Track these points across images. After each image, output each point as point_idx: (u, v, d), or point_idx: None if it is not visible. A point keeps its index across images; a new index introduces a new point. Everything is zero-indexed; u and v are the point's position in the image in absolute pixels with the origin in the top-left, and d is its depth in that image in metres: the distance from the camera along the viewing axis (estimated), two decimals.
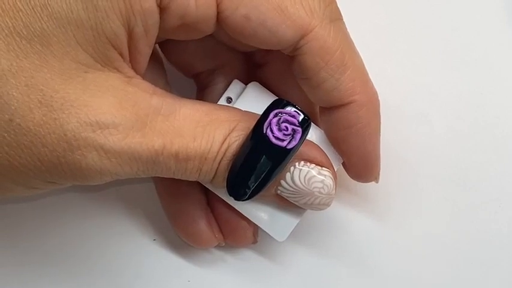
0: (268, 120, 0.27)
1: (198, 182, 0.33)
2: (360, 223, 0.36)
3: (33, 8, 0.25)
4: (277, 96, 0.32)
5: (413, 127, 0.37)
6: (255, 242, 0.35)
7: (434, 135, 0.36)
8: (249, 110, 0.30)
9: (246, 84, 0.33)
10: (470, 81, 0.37)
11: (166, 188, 0.34)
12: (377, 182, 0.33)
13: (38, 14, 0.25)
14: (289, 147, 0.27)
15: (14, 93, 0.25)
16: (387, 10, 0.38)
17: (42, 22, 0.25)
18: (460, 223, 0.36)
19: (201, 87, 0.35)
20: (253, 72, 0.34)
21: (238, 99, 0.32)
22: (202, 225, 0.34)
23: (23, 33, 0.25)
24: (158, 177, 0.34)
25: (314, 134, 0.32)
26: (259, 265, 0.36)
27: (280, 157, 0.28)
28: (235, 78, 0.33)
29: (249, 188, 0.28)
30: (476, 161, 0.36)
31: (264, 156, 0.28)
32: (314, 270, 0.36)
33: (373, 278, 0.36)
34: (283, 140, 0.27)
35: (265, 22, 0.28)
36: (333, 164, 0.31)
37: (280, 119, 0.27)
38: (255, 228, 0.34)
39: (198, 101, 0.29)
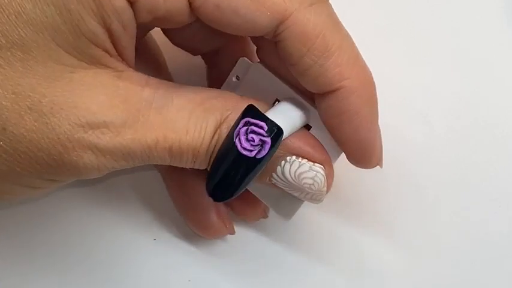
0: (237, 129, 0.27)
1: (206, 172, 0.33)
2: (359, 223, 0.36)
3: (8, 17, 0.25)
4: (280, 77, 0.31)
5: (413, 127, 0.36)
6: (265, 216, 0.35)
7: (433, 135, 0.36)
8: (254, 91, 0.30)
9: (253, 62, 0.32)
10: (470, 81, 0.37)
11: (174, 181, 0.34)
12: (381, 167, 0.31)
13: (14, 22, 0.25)
14: (258, 157, 0.27)
15: (3, 102, 0.25)
16: (387, 10, 0.38)
17: (19, 29, 0.25)
18: (460, 223, 0.36)
19: (210, 65, 0.35)
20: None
21: (243, 80, 0.32)
22: (213, 216, 0.34)
23: (2, 42, 0.25)
24: (166, 171, 0.35)
25: (316, 121, 0.30)
26: (258, 266, 0.36)
27: (250, 166, 0.27)
28: (241, 56, 0.32)
29: (224, 191, 0.28)
30: (476, 161, 0.36)
31: (233, 163, 0.27)
32: (313, 270, 0.36)
33: (372, 278, 0.36)
34: (250, 151, 0.27)
35: (238, 10, 0.27)
36: (334, 153, 0.30)
37: (248, 129, 0.27)
38: (266, 204, 0.34)
39: (194, 88, 0.29)
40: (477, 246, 0.36)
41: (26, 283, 0.36)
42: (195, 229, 0.35)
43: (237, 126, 0.27)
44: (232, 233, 0.35)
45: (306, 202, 0.32)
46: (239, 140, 0.27)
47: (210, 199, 0.34)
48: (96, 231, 0.36)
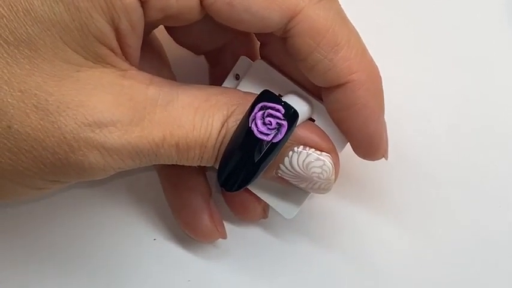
0: (253, 114, 0.27)
1: (202, 175, 0.33)
2: (359, 222, 0.36)
3: (16, 14, 0.25)
4: (283, 73, 0.31)
5: (414, 126, 0.36)
6: (265, 217, 0.35)
7: (434, 135, 0.36)
8: (256, 88, 0.30)
9: (255, 60, 0.32)
10: (471, 80, 0.37)
11: (170, 182, 0.34)
12: (386, 159, 0.32)
13: (22, 19, 0.25)
14: (275, 141, 0.27)
15: (9, 100, 0.25)
16: (388, 9, 0.38)
17: (27, 27, 0.25)
18: (460, 223, 0.36)
19: (212, 64, 0.35)
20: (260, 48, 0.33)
21: (245, 77, 0.32)
22: (205, 220, 0.34)
23: (10, 40, 0.25)
24: (163, 170, 0.35)
25: (320, 115, 0.31)
26: (259, 265, 0.36)
27: (266, 151, 0.28)
28: (245, 54, 0.32)
29: (238, 179, 0.28)
30: (477, 161, 0.36)
31: (250, 149, 0.28)
32: (314, 269, 0.36)
33: (372, 277, 0.36)
34: (267, 135, 0.27)
35: (250, 7, 0.27)
36: (338, 146, 0.30)
37: (264, 113, 0.27)
38: (265, 204, 0.34)
39: (198, 85, 0.29)
40: (477, 246, 0.36)
41: (26, 283, 0.35)
42: (187, 231, 0.35)
43: (252, 111, 0.27)
44: (224, 237, 0.35)
45: (305, 201, 0.32)
46: (255, 124, 0.27)
47: (203, 203, 0.34)
48: (96, 232, 0.36)
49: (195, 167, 0.31)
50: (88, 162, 0.26)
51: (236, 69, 0.32)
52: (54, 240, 0.36)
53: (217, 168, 0.29)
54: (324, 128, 0.30)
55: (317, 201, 0.36)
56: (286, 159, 0.29)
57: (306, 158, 0.29)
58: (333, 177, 0.29)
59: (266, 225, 0.36)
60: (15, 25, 0.25)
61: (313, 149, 0.29)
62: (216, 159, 0.28)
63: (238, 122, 0.28)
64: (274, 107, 0.27)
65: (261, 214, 0.35)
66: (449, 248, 0.36)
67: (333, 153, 0.30)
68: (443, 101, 0.37)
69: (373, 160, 0.31)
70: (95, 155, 0.26)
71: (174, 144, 0.27)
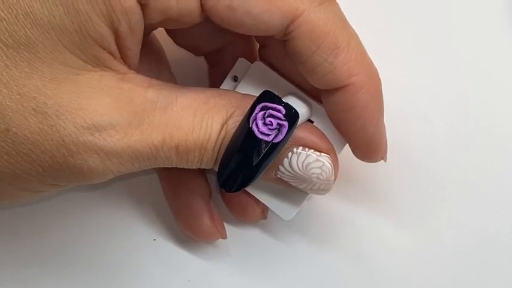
0: (254, 115, 0.27)
1: (202, 176, 0.33)
2: (359, 222, 0.36)
3: (15, 16, 0.25)
4: (281, 75, 0.31)
5: (414, 127, 0.36)
6: (264, 218, 0.35)
7: (434, 136, 0.36)
8: (254, 90, 0.30)
9: (253, 62, 0.32)
10: (471, 81, 0.37)
11: (170, 183, 0.35)
12: (385, 161, 0.32)
13: (21, 22, 0.25)
14: (275, 141, 0.27)
15: (8, 103, 0.25)
16: (387, 12, 0.38)
17: (26, 30, 0.25)
18: (460, 223, 0.36)
19: (211, 65, 0.35)
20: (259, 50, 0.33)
21: (243, 79, 0.32)
22: (205, 220, 0.34)
23: (9, 42, 0.25)
24: (163, 171, 0.35)
25: (319, 116, 0.31)
26: (259, 265, 0.36)
27: (266, 151, 0.28)
28: (241, 56, 0.32)
29: (237, 180, 0.28)
30: (477, 161, 0.36)
31: (250, 149, 0.28)
32: (313, 270, 0.36)
33: (372, 277, 0.36)
34: (268, 135, 0.27)
35: (251, 11, 0.27)
36: (337, 147, 0.30)
37: (265, 113, 0.27)
38: (264, 205, 0.34)
39: (197, 88, 0.29)
40: (477, 246, 0.36)
41: (26, 285, 0.36)
42: (187, 232, 0.35)
43: (252, 112, 0.27)
44: (224, 237, 0.35)
45: (304, 202, 0.32)
46: (256, 125, 0.27)
47: (203, 203, 0.34)
48: (96, 233, 0.36)
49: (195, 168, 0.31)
50: (87, 166, 0.26)
51: (234, 71, 0.32)
52: (54, 241, 0.36)
53: (216, 170, 0.29)
54: (322, 130, 0.30)
55: (316, 202, 0.36)
56: (286, 160, 0.29)
57: (305, 159, 0.29)
58: (333, 177, 0.30)
59: (266, 225, 0.36)
60: (15, 28, 0.25)
61: (312, 150, 0.29)
62: (216, 161, 0.28)
63: (237, 124, 0.28)
64: (275, 108, 0.27)
65: (260, 215, 0.35)
66: (449, 248, 0.36)
67: (332, 154, 0.30)
68: (443, 102, 0.37)
69: (372, 162, 0.31)
70: (94, 158, 0.26)
71: (174, 147, 0.27)
